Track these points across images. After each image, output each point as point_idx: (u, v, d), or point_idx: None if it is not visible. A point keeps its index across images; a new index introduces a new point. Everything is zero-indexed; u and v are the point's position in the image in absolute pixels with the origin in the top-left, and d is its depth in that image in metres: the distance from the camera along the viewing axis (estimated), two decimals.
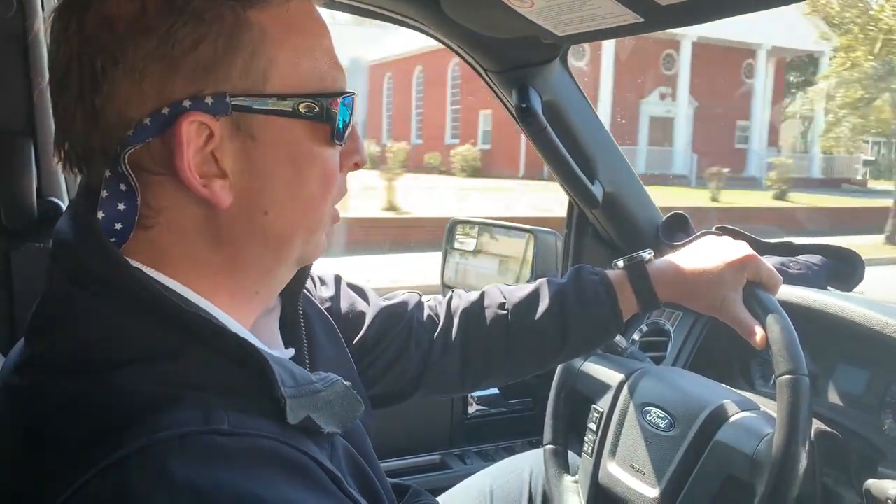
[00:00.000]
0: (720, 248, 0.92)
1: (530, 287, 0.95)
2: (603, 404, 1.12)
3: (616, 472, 1.06)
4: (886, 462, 0.95)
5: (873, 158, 23.13)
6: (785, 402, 0.82)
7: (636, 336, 1.37)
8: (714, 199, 15.67)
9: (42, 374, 0.49)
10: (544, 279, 0.96)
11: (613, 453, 1.08)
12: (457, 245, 1.84)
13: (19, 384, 0.50)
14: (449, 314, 0.95)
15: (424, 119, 26.85)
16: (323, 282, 0.89)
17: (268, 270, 0.58)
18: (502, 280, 1.67)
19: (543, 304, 0.93)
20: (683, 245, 1.03)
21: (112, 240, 0.51)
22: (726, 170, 16.82)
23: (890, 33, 12.85)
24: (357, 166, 0.62)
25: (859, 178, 20.36)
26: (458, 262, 1.84)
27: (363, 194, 11.90)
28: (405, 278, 6.98)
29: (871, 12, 13.65)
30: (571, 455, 1.21)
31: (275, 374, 0.49)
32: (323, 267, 0.84)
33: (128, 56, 0.48)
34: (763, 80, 22.59)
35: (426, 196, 14.34)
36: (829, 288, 1.21)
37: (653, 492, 0.99)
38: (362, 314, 0.89)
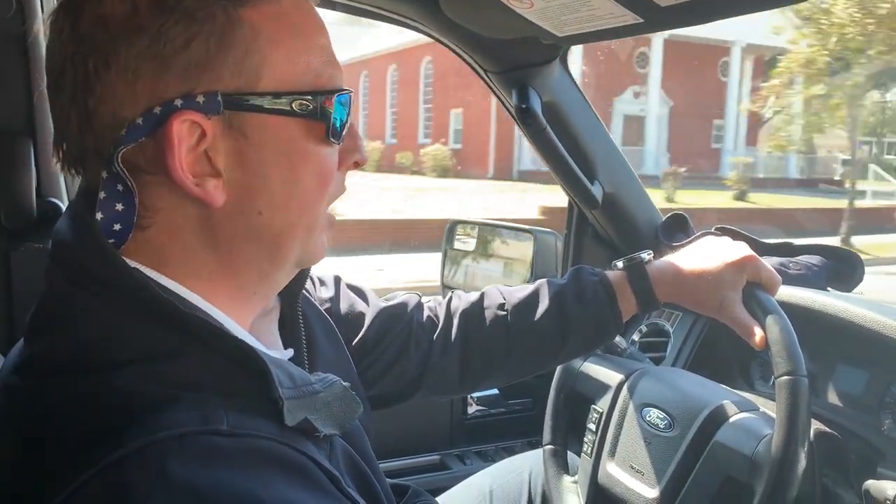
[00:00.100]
0: (719, 249, 0.93)
1: (530, 288, 0.95)
2: (602, 405, 1.12)
3: (615, 472, 1.06)
4: (885, 462, 0.95)
5: (851, 158, 22.96)
6: (784, 403, 0.82)
7: (636, 336, 1.37)
8: (669, 199, 15.47)
9: (41, 374, 0.49)
10: (544, 280, 0.96)
11: (613, 454, 1.08)
12: (456, 245, 1.84)
13: (18, 384, 0.50)
14: (448, 315, 0.95)
15: (399, 118, 26.61)
16: (322, 283, 0.89)
17: (265, 270, 0.58)
18: (502, 281, 1.67)
19: (543, 304, 0.93)
20: (683, 246, 1.04)
21: (111, 241, 0.51)
22: (682, 169, 16.67)
23: (843, 28, 12.26)
24: (357, 165, 0.62)
25: (837, 178, 20.17)
26: (457, 262, 1.84)
27: None
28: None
29: (824, 5, 12.81)
30: (571, 455, 1.21)
31: (273, 375, 0.49)
32: (322, 268, 0.84)
33: (120, 56, 0.49)
34: (738, 78, 22.25)
35: (375, 197, 14.18)
36: (828, 289, 1.21)
37: (652, 492, 0.99)
38: (362, 315, 0.89)
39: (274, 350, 0.61)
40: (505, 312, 0.93)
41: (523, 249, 1.67)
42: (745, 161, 18.95)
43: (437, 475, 1.59)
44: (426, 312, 0.95)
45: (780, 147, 16.55)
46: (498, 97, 1.34)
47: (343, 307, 0.88)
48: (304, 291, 0.72)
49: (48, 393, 0.47)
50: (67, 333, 0.50)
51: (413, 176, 20.04)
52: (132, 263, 0.51)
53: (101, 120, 0.50)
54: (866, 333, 0.98)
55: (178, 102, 0.50)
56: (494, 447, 1.70)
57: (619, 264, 0.94)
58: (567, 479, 1.17)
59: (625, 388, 1.10)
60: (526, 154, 20.75)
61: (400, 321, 0.91)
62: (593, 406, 1.14)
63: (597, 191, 1.39)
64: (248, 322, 0.60)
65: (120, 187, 0.51)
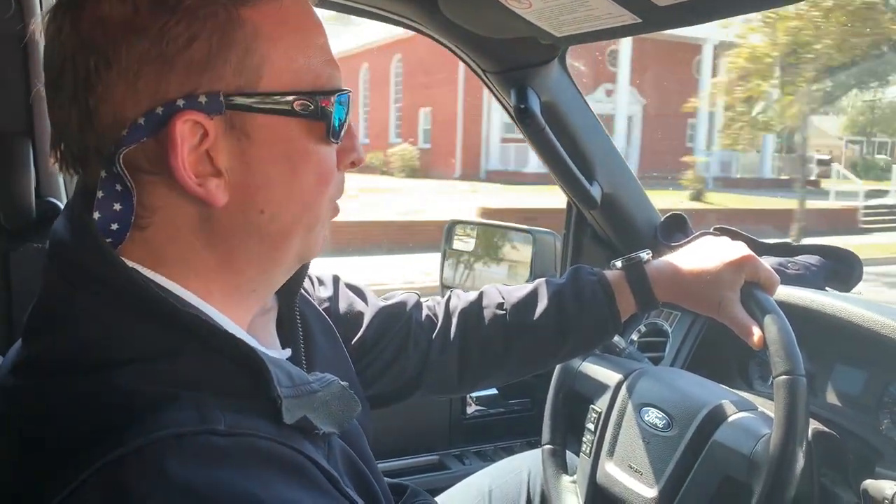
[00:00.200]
0: (718, 249, 0.93)
1: (529, 287, 0.95)
2: (601, 404, 1.12)
3: (614, 472, 1.07)
4: (884, 462, 0.95)
5: (828, 158, 22.68)
6: (782, 403, 0.82)
7: (634, 336, 1.38)
8: None
9: (41, 374, 0.49)
10: (543, 279, 0.96)
11: (611, 453, 1.08)
12: (455, 245, 1.84)
13: (18, 384, 0.50)
14: (447, 314, 0.95)
15: (371, 117, 26.16)
16: (321, 282, 0.89)
17: (264, 269, 0.58)
18: (501, 280, 1.67)
19: (542, 304, 0.93)
20: (681, 245, 1.04)
21: (108, 240, 0.51)
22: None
23: (789, 21, 11.87)
24: (354, 164, 0.62)
25: (813, 178, 19.92)
26: (456, 262, 1.84)
27: None
28: None
29: None
30: (570, 455, 1.22)
31: (271, 374, 0.49)
32: (321, 267, 0.84)
33: (121, 56, 0.48)
34: (709, 76, 21.45)
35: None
36: (826, 288, 1.21)
37: (650, 492, 0.99)
38: (360, 314, 0.89)
39: (272, 349, 0.61)
40: (504, 312, 0.93)
41: (522, 249, 1.67)
42: (701, 160, 18.54)
43: (436, 475, 1.59)
44: (425, 312, 0.95)
45: (729, 146, 16.17)
46: (497, 97, 1.34)
47: (342, 306, 0.88)
48: (302, 291, 0.72)
49: (48, 393, 0.47)
50: (67, 333, 0.50)
51: (382, 176, 19.48)
52: (130, 263, 0.51)
53: (103, 120, 0.50)
54: (865, 333, 0.99)
55: (181, 102, 0.50)
56: (493, 447, 1.70)
57: (618, 264, 0.94)
58: (566, 478, 1.17)
59: (623, 387, 1.10)
60: (494, 154, 20.37)
61: (399, 320, 0.91)
62: (592, 406, 1.14)
63: (595, 191, 1.39)
64: (246, 321, 0.60)
65: (118, 187, 0.51)
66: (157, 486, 0.41)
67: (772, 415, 0.85)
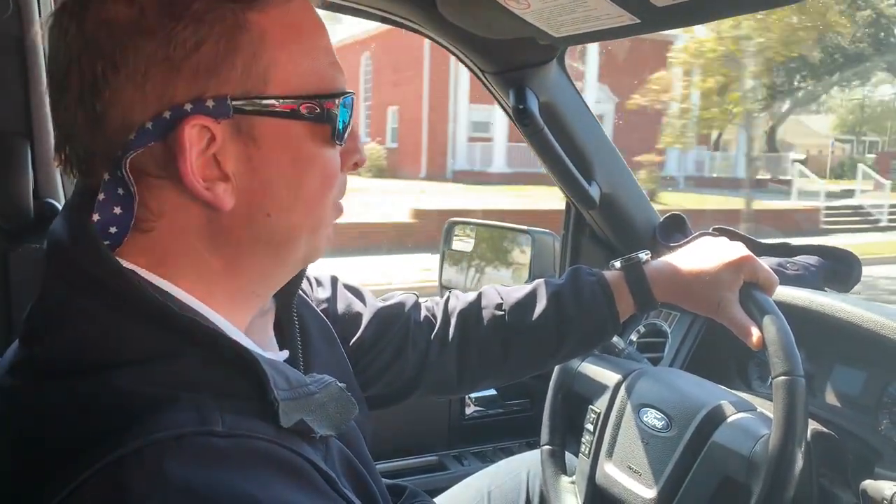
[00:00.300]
0: (717, 249, 0.93)
1: (527, 288, 0.95)
2: (600, 405, 1.12)
3: (613, 472, 1.06)
4: (883, 463, 0.95)
5: (803, 157, 22.35)
6: (781, 403, 0.82)
7: (633, 337, 1.38)
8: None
9: (39, 375, 0.49)
10: (542, 280, 0.96)
11: (610, 454, 1.08)
12: (454, 246, 1.84)
13: (17, 385, 0.50)
14: (446, 315, 0.95)
15: None
16: (319, 283, 0.89)
17: (269, 271, 0.58)
18: (500, 281, 1.67)
19: (541, 304, 0.93)
20: (680, 246, 1.04)
21: (106, 243, 0.51)
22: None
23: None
24: (357, 166, 0.62)
25: (787, 177, 19.66)
26: (455, 262, 1.84)
27: None
28: None
29: None
30: (569, 456, 1.21)
31: (268, 377, 0.49)
32: (319, 268, 0.84)
33: (129, 59, 0.48)
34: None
35: None
36: (825, 289, 1.21)
37: (649, 492, 0.99)
38: (359, 315, 0.89)
39: (269, 351, 0.61)
40: (502, 312, 0.93)
41: (521, 250, 1.67)
42: (654, 159, 18.15)
43: (435, 476, 1.59)
44: (423, 312, 0.95)
45: (671, 144, 15.76)
46: (495, 98, 1.35)
47: (340, 307, 0.88)
48: (300, 292, 0.72)
49: (47, 393, 0.47)
50: (66, 334, 0.49)
51: (351, 176, 19.43)
52: (129, 265, 0.51)
53: (111, 124, 0.50)
54: (864, 334, 0.99)
55: (189, 107, 0.49)
56: (492, 448, 1.70)
57: (617, 264, 0.94)
58: (565, 479, 1.17)
59: (622, 388, 1.10)
60: (461, 153, 19.93)
61: (397, 321, 0.91)
62: (591, 406, 1.14)
63: (594, 191, 1.39)
64: (246, 322, 0.60)
65: (120, 191, 0.51)
66: (156, 487, 0.41)
67: (771, 415, 0.85)
